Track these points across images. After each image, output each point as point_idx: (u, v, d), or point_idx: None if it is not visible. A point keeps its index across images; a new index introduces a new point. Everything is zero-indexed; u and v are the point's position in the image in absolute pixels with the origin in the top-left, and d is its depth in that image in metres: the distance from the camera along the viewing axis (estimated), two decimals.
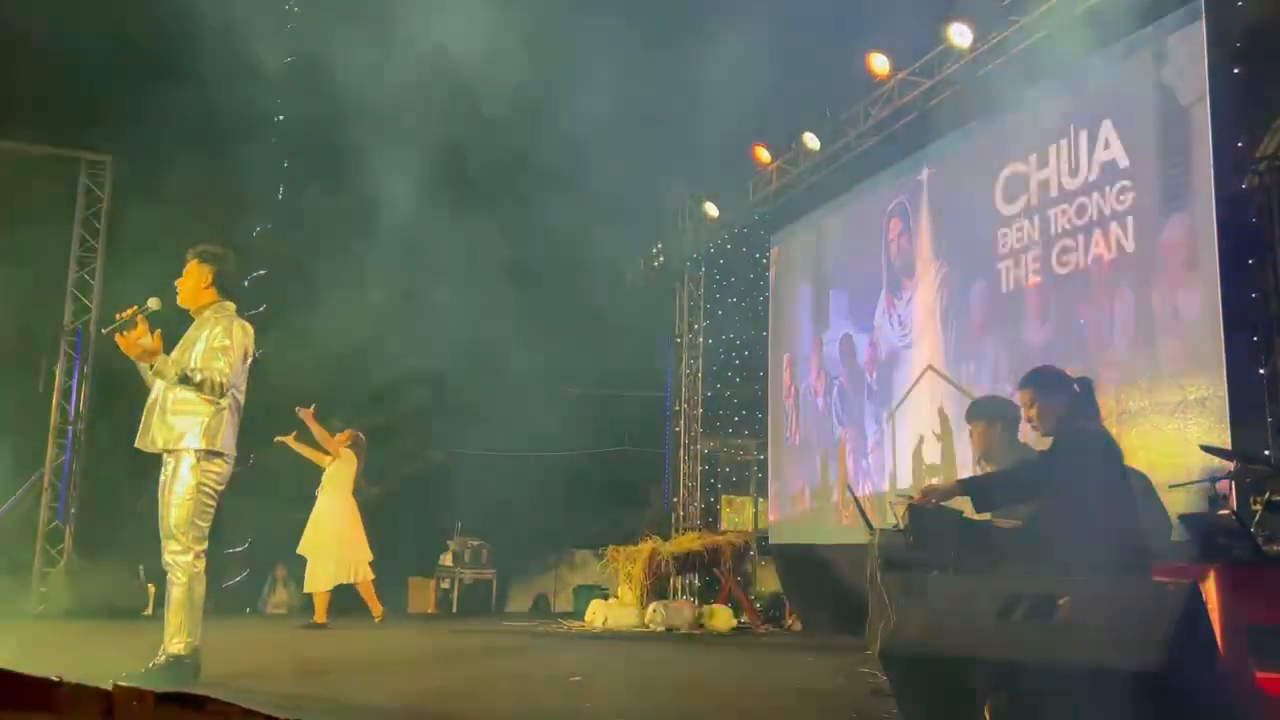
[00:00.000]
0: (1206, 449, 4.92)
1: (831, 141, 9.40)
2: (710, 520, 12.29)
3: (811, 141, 9.57)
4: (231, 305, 4.44)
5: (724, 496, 12.89)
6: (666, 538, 10.27)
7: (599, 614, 8.81)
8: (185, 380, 4.08)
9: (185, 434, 4.14)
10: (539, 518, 18.67)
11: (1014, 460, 4.37)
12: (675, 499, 12.30)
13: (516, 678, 4.93)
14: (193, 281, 4.39)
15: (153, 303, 4.17)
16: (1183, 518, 4.53)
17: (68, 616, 8.61)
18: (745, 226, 11.46)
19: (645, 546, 9.12)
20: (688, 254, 12.18)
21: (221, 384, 4.13)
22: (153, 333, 4.12)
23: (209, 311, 4.37)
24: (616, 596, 9.21)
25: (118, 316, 4.18)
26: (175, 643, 4.03)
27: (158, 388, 4.24)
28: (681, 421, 12.32)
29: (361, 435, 8.46)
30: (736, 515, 12.73)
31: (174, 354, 4.24)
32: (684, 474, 12.26)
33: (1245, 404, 5.34)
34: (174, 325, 4.36)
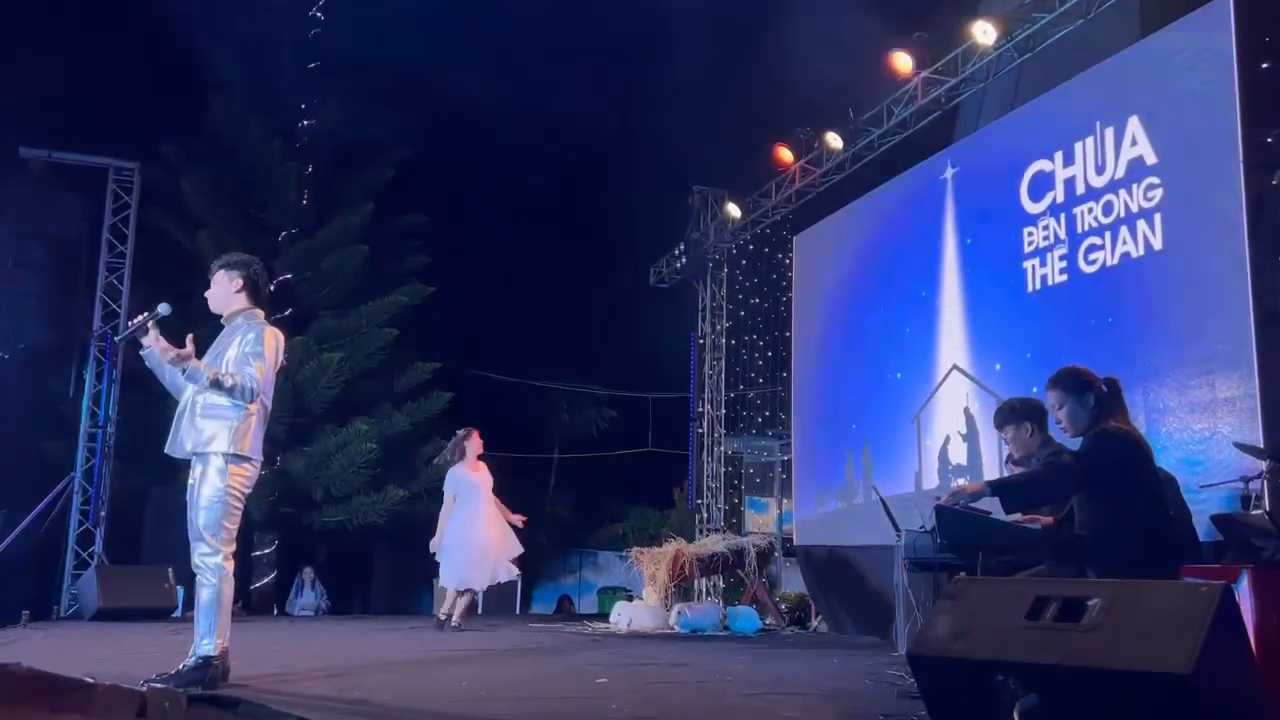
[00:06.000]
0: (1240, 447, 4.87)
1: (854, 141, 9.37)
2: (734, 521, 12.27)
3: (834, 141, 9.54)
4: (261, 311, 4.47)
5: (748, 497, 12.87)
6: (690, 539, 10.26)
7: (623, 615, 8.81)
8: (217, 385, 4.11)
9: (214, 438, 4.17)
10: (563, 520, 18.76)
11: (1045, 460, 4.33)
12: (699, 500, 12.28)
13: (542, 679, 4.94)
14: (222, 289, 4.43)
15: (163, 308, 4.18)
16: (1215, 518, 4.49)
17: (98, 618, 8.70)
18: (768, 227, 11.45)
19: (669, 548, 9.11)
20: (710, 255, 12.18)
21: (253, 389, 4.16)
22: (185, 339, 4.13)
23: (240, 318, 4.40)
24: (641, 598, 9.20)
25: (130, 324, 4.20)
26: (205, 644, 4.06)
27: (187, 393, 4.27)
28: (705, 423, 12.31)
29: (457, 433, 8.37)
30: (760, 516, 12.71)
31: (205, 359, 4.27)
32: (708, 475, 12.25)
33: (1277, 402, 5.26)
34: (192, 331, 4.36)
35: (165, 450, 4.33)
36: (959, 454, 7.56)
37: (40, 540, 9.98)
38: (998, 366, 7.30)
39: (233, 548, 4.21)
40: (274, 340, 4.35)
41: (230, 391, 4.13)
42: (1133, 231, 6.20)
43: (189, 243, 12.84)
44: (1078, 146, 6.68)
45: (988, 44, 7.70)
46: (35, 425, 10.17)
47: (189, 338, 4.10)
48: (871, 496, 7.95)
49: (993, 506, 4.26)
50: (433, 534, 8.06)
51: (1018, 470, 4.62)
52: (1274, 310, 5.42)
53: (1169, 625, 2.53)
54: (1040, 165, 7.03)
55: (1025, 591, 2.91)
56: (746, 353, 12.35)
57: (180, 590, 9.13)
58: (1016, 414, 4.60)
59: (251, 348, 4.24)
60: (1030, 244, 7.04)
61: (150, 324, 4.13)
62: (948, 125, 8.30)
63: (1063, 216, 6.78)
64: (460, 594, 7.99)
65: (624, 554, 9.90)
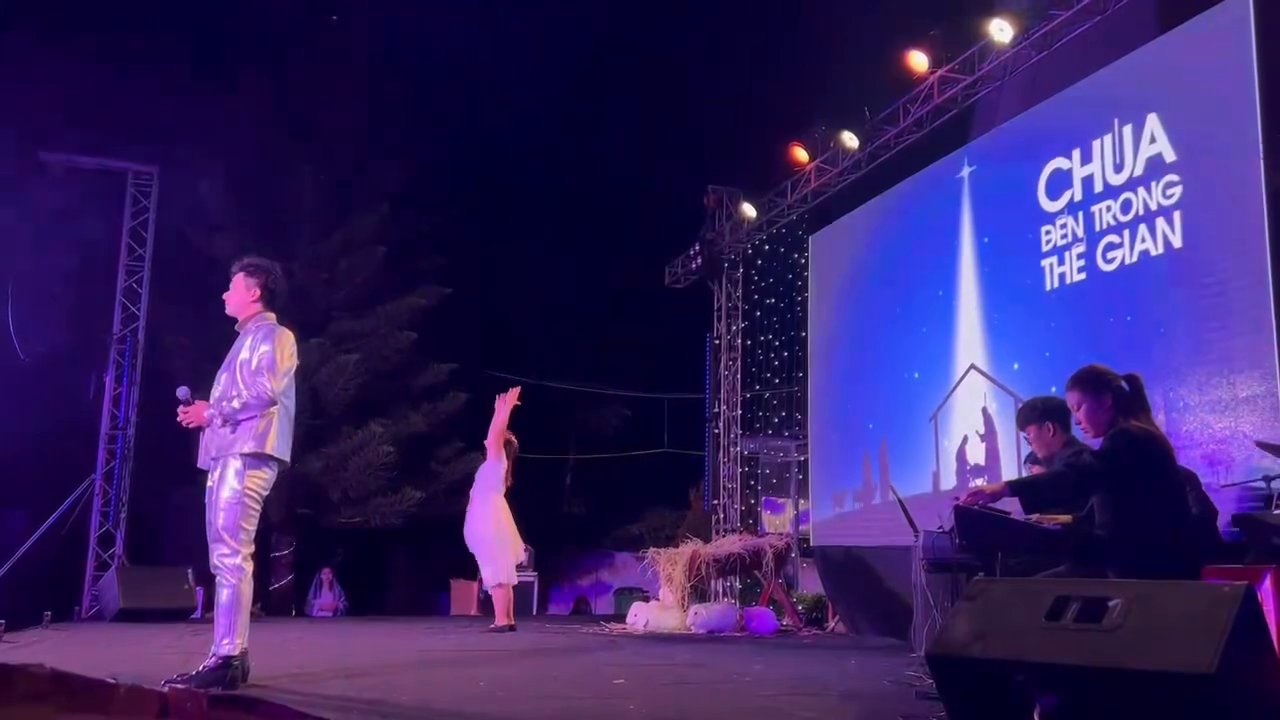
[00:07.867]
0: (1261, 446, 4.82)
1: (870, 140, 9.34)
2: (751, 522, 12.24)
3: (850, 140, 9.51)
4: (273, 315, 4.52)
5: (764, 497, 12.84)
6: (707, 540, 10.25)
7: (640, 616, 8.80)
8: (234, 414, 4.20)
9: (237, 440, 4.22)
10: (579, 521, 18.78)
11: (1066, 460, 4.30)
12: (715, 501, 12.26)
13: (558, 679, 4.94)
14: (239, 294, 4.48)
15: (181, 392, 4.34)
16: (1237, 518, 4.45)
17: (119, 619, 8.76)
18: (783, 226, 11.42)
19: (686, 549, 9.10)
20: (725, 255, 12.16)
21: (267, 398, 4.20)
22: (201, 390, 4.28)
23: (252, 323, 4.45)
24: (658, 599, 9.20)
25: (194, 425, 4.31)
26: (225, 644, 4.09)
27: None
28: (721, 423, 12.29)
29: (514, 440, 8.27)
30: (777, 517, 12.68)
31: (222, 371, 4.38)
32: (724, 476, 12.22)
33: None
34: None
35: (197, 464, 4.40)
36: (977, 454, 7.53)
37: (61, 542, 10.06)
38: (1016, 366, 7.26)
39: (251, 549, 4.25)
40: (285, 341, 4.38)
41: (246, 407, 4.19)
42: (1152, 230, 6.15)
43: (207, 246, 12.91)
44: (1096, 144, 6.64)
45: (1004, 42, 7.67)
46: (56, 427, 10.24)
47: (192, 404, 4.26)
48: (889, 497, 7.92)
49: (1011, 507, 4.24)
50: (458, 524, 8.08)
51: (1038, 470, 4.60)
52: None
53: (1192, 626, 2.51)
54: (1058, 163, 6.99)
55: (1045, 592, 2.89)
56: (762, 353, 12.32)
57: (200, 591, 9.19)
58: (1039, 413, 4.58)
59: (262, 352, 4.28)
60: (1048, 242, 7.00)
61: (193, 400, 4.27)
62: (964, 124, 8.25)
63: (1081, 215, 6.73)
64: (500, 587, 7.92)
65: (640, 555, 9.90)
